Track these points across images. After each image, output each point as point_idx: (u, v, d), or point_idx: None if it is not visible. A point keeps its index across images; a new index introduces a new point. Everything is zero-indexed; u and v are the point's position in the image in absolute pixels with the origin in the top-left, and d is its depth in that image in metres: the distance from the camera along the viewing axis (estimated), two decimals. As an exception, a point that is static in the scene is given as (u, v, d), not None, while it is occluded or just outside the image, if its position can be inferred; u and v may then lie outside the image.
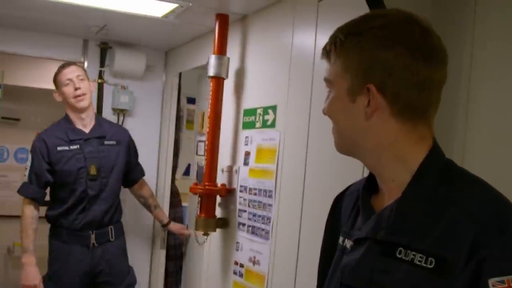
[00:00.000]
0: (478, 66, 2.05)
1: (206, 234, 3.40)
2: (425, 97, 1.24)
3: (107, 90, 4.63)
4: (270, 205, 2.96)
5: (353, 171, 2.28)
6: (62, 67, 3.77)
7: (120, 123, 4.61)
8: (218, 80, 3.37)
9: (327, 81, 1.32)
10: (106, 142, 3.84)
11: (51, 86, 5.66)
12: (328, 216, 1.58)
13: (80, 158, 3.71)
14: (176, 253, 4.68)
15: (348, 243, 1.39)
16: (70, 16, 3.88)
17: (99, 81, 4.59)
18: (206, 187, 3.36)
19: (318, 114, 2.60)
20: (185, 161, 4.97)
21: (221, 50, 3.38)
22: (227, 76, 3.39)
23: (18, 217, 5.71)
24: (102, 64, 4.62)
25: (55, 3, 3.48)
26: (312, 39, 2.70)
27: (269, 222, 2.96)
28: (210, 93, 3.37)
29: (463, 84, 2.06)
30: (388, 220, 1.25)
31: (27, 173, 3.72)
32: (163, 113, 4.81)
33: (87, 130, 3.80)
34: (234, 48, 3.47)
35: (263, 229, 3.02)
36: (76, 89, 3.69)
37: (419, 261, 1.17)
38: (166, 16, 3.57)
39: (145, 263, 4.74)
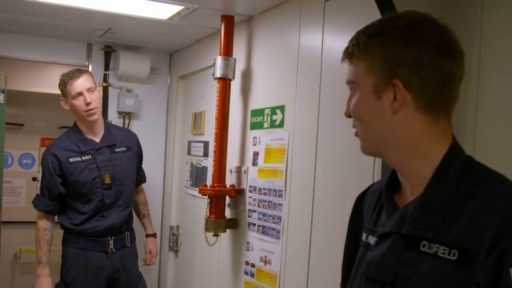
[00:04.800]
0: (487, 63, 2.06)
1: (216, 235, 3.41)
2: (448, 92, 1.29)
3: (112, 93, 4.63)
4: (280, 204, 2.97)
5: (363, 170, 2.31)
6: (72, 77, 3.62)
7: (126, 126, 4.61)
8: (225, 81, 3.38)
9: (351, 82, 1.37)
10: (117, 150, 3.82)
11: (55, 91, 5.64)
12: (351, 215, 1.62)
13: (93, 168, 3.68)
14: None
15: (372, 239, 1.43)
16: (74, 20, 3.88)
17: (104, 84, 4.59)
18: (216, 188, 3.37)
19: (327, 113, 2.62)
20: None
21: (227, 52, 3.40)
22: (233, 77, 3.40)
23: (24, 223, 5.78)
24: (106, 67, 4.62)
25: (60, 7, 3.48)
26: (319, 38, 2.72)
27: (280, 221, 2.97)
28: (217, 94, 3.38)
29: (472, 81, 2.07)
30: (412, 215, 1.30)
31: (38, 186, 3.71)
32: (168, 115, 4.83)
33: (97, 139, 3.76)
34: (240, 49, 3.48)
35: (273, 229, 3.02)
36: (87, 104, 3.60)
37: (442, 253, 1.21)
38: (171, 18, 3.58)
39: (154, 266, 4.73)
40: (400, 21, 1.30)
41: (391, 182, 1.44)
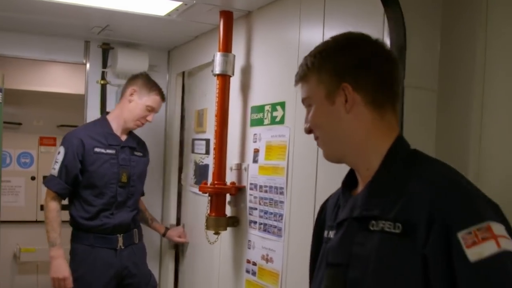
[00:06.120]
0: (492, 60, 2.03)
1: (217, 233, 3.37)
2: (389, 90, 1.49)
3: (110, 91, 4.59)
4: (281, 202, 2.93)
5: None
6: (161, 95, 3.97)
7: None
8: (224, 78, 3.34)
9: (306, 99, 1.58)
10: (135, 153, 3.95)
11: (53, 89, 5.69)
12: (315, 222, 1.78)
13: (114, 163, 3.77)
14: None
15: (332, 233, 1.58)
16: (71, 17, 3.83)
17: (102, 82, 4.56)
18: (216, 185, 3.33)
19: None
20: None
21: (226, 48, 3.35)
22: (233, 74, 3.36)
23: (23, 222, 5.77)
24: (104, 65, 4.58)
25: (56, 4, 3.43)
26: (320, 33, 2.67)
27: (281, 219, 2.93)
28: (217, 91, 3.34)
29: (477, 79, 2.05)
30: (362, 200, 1.46)
31: (56, 166, 3.70)
32: (167, 113, 4.77)
33: (123, 138, 3.89)
34: (239, 45, 3.43)
35: (275, 226, 2.99)
36: (146, 121, 3.89)
37: (388, 228, 1.35)
38: (169, 14, 3.54)
39: (155, 263, 4.71)
40: (338, 37, 1.53)
41: (349, 180, 1.60)
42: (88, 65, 4.56)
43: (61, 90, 5.73)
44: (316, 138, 1.58)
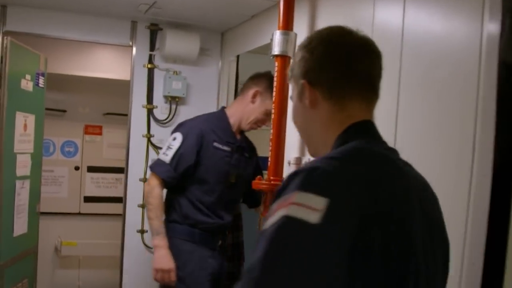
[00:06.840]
0: None
1: (270, 235, 3.05)
2: (348, 83, 1.48)
3: (158, 75, 4.43)
4: (346, 203, 2.58)
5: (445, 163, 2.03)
6: None
7: (173, 111, 4.42)
8: (284, 59, 3.04)
9: (290, 98, 1.65)
10: (245, 154, 3.79)
11: (99, 75, 5.50)
12: None
13: (228, 161, 3.63)
14: (234, 254, 4.43)
15: None
16: (116, -7, 3.69)
17: (149, 66, 4.41)
18: (271, 182, 3.05)
19: (407, 96, 2.32)
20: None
21: (287, 25, 3.05)
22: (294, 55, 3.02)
23: (65, 214, 5.60)
24: (152, 47, 4.43)
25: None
26: (400, 11, 2.37)
27: (346, 222, 2.59)
28: (275, 74, 3.06)
29: None
30: None
31: (170, 153, 3.53)
32: (219, 101, 4.59)
33: (238, 137, 3.74)
34: (301, 23, 3.16)
35: (337, 231, 2.64)
36: (263, 124, 3.69)
37: None
38: (222, -11, 3.27)
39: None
40: (306, 40, 1.56)
41: None
42: (134, 48, 4.41)
43: (108, 75, 5.58)
44: None
